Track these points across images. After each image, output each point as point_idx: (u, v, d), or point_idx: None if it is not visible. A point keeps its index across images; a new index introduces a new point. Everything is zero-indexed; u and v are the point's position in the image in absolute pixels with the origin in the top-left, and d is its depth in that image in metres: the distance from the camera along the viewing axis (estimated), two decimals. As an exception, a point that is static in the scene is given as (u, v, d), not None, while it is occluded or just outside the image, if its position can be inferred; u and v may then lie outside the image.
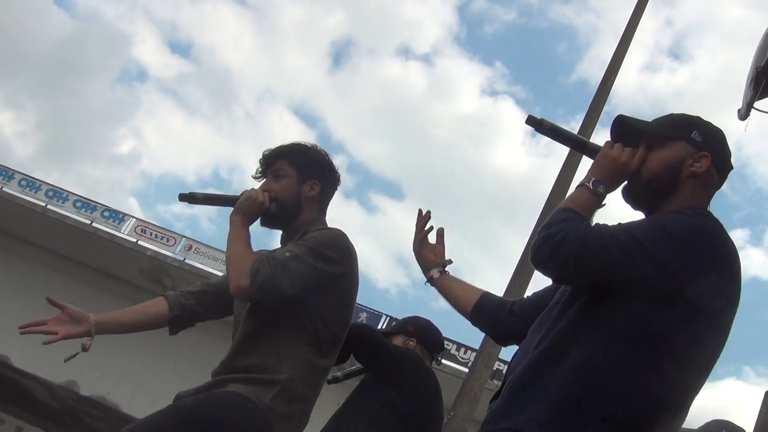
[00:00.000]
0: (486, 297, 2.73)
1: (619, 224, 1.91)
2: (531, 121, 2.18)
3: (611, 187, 2.03)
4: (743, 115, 6.69)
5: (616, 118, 2.12)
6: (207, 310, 3.04)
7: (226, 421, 2.51)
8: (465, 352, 23.35)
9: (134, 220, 25.50)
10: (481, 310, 2.71)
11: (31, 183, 25.54)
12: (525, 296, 2.67)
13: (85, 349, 2.88)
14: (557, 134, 2.21)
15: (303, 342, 2.69)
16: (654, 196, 2.04)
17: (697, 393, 1.90)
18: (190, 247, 24.69)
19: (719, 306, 1.87)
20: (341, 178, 3.07)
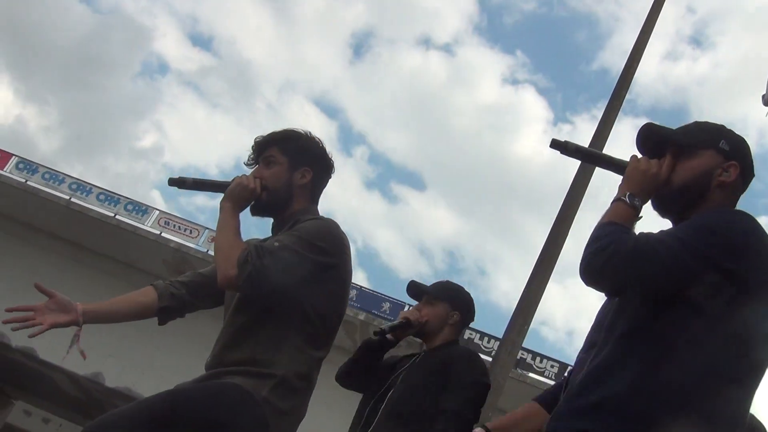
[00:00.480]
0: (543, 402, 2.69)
1: (661, 231, 1.94)
2: (555, 144, 2.17)
3: (645, 199, 2.04)
4: (767, 100, 6.63)
5: (643, 126, 2.13)
6: (197, 299, 3.00)
7: (222, 411, 2.50)
8: (488, 341, 23.33)
9: (157, 212, 25.58)
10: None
11: (54, 176, 25.67)
12: None
13: (76, 339, 2.85)
14: (583, 154, 2.22)
15: (296, 334, 2.65)
16: (684, 205, 2.05)
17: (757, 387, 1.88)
18: (213, 239, 24.65)
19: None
20: (334, 165, 3.02)
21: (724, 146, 2.05)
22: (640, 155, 2.11)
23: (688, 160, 2.06)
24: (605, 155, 2.23)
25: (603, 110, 11.29)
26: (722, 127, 2.12)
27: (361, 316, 22.42)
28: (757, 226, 1.93)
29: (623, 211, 1.99)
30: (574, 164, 11.09)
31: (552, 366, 23.47)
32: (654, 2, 11.99)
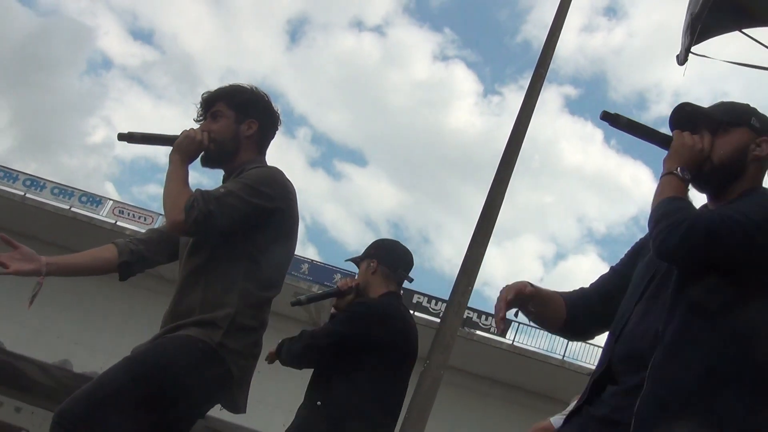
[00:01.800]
0: (570, 303, 2.49)
1: (723, 208, 1.95)
2: (606, 116, 2.15)
3: (692, 173, 2.04)
4: (682, 60, 6.74)
5: (679, 105, 2.13)
6: (156, 254, 2.97)
7: (178, 363, 2.52)
8: (436, 304, 23.53)
9: (111, 202, 25.26)
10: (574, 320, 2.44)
11: (8, 174, 25.18)
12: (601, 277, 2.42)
13: (38, 287, 2.75)
14: (633, 128, 2.19)
15: (244, 276, 2.67)
16: (724, 179, 2.05)
17: None
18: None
19: None
20: (280, 117, 3.01)
21: (755, 123, 2.07)
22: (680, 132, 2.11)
23: (724, 136, 2.07)
24: (651, 129, 2.20)
25: (529, 81, 11.39)
26: (749, 106, 2.14)
27: (315, 288, 22.44)
28: None
29: (678, 186, 2.00)
30: (505, 132, 11.20)
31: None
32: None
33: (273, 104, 2.98)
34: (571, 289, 2.40)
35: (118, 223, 24.04)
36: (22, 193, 24.18)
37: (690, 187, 2.06)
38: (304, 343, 3.41)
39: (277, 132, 3.01)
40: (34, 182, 25.17)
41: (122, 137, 2.86)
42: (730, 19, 6.76)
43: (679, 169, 2.02)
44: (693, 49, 6.63)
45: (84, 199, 25.01)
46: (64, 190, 25.17)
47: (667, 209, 1.92)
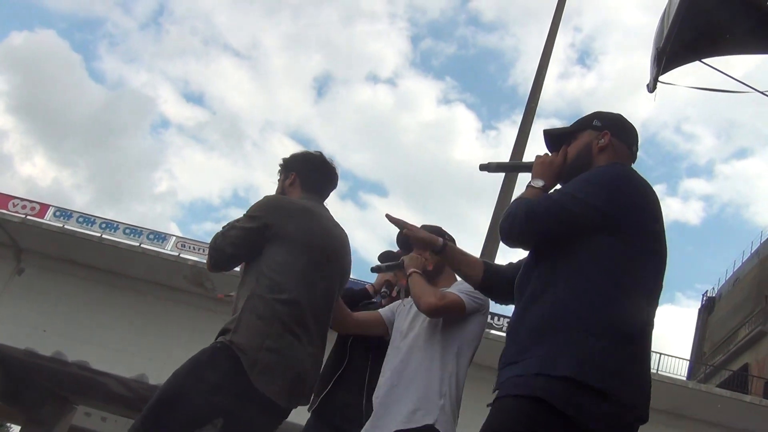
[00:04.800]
0: (488, 269, 2.62)
1: (555, 190, 2.10)
2: (482, 167, 2.44)
3: (551, 183, 2.17)
4: (651, 88, 6.72)
5: (543, 132, 2.30)
6: None
7: (202, 365, 2.64)
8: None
9: (174, 237, 25.44)
10: (490, 282, 2.58)
11: (87, 219, 25.48)
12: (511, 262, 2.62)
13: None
14: (503, 168, 2.49)
15: (254, 284, 2.78)
16: (578, 174, 2.12)
17: (655, 307, 1.95)
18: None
19: (648, 229, 1.96)
20: (329, 170, 3.20)
21: (597, 123, 2.20)
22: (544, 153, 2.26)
23: (574, 142, 2.21)
24: (518, 162, 2.53)
25: (521, 117, 11.40)
26: (597, 111, 2.26)
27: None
28: (632, 175, 2.03)
29: (529, 191, 2.13)
30: (504, 160, 11.17)
31: (499, 322, 23.59)
32: (548, 35, 12.06)
33: (317, 161, 3.20)
34: (506, 262, 2.59)
35: (181, 255, 24.17)
36: (99, 235, 24.41)
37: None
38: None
39: (322, 176, 3.19)
40: (109, 225, 25.43)
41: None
42: (691, 51, 6.74)
43: (533, 180, 2.16)
44: (660, 78, 6.61)
45: (151, 236, 25.21)
46: (134, 230, 25.41)
47: (507, 208, 2.05)
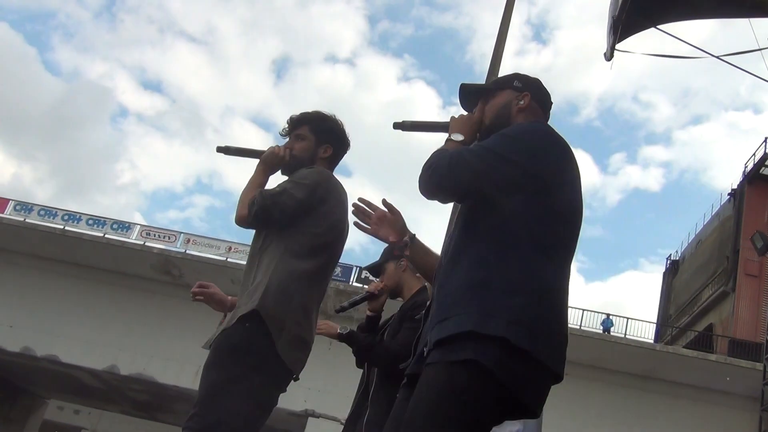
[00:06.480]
0: None
1: (475, 144, 2.06)
2: (396, 126, 2.35)
3: (470, 139, 2.14)
4: (608, 56, 6.78)
5: (460, 86, 2.27)
6: None
7: (234, 338, 2.63)
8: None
9: (139, 226, 25.13)
10: None
11: (49, 211, 25.03)
12: None
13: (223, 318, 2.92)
14: (418, 126, 2.35)
15: (284, 253, 2.74)
16: (497, 131, 2.12)
17: (571, 263, 1.98)
18: (189, 240, 24.32)
19: (568, 186, 1.98)
20: (350, 143, 3.10)
21: (518, 84, 2.20)
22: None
23: (492, 100, 2.20)
24: (433, 122, 2.33)
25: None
26: (517, 73, 2.26)
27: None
28: (552, 133, 2.05)
29: (449, 144, 2.11)
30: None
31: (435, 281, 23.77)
32: (503, 13, 12.05)
33: (346, 132, 3.08)
34: None
35: (147, 243, 23.92)
36: (62, 227, 24.04)
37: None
38: (395, 351, 3.18)
39: (342, 154, 3.10)
40: (72, 216, 25.02)
41: (220, 149, 2.96)
42: (647, 18, 6.80)
43: (452, 135, 2.13)
44: (617, 46, 6.67)
45: (115, 226, 24.86)
46: (97, 220, 25.04)
47: (426, 160, 2.01)
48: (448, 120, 2.22)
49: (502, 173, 1.90)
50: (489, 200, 1.91)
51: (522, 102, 2.16)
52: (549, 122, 2.22)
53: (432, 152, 2.04)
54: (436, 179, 1.93)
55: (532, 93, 2.19)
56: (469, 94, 2.26)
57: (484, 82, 2.30)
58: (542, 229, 1.89)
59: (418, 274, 3.38)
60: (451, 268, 1.94)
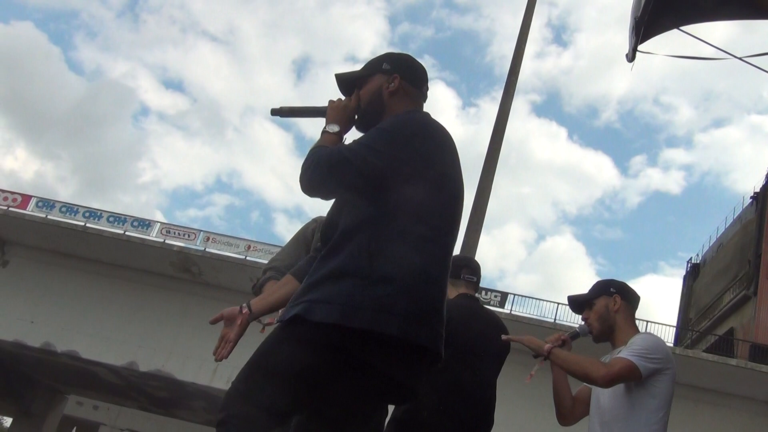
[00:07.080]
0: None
1: (353, 141, 2.06)
2: (273, 112, 2.33)
3: (346, 127, 2.18)
4: (630, 57, 6.72)
5: (335, 76, 2.28)
6: None
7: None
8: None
9: (159, 224, 25.30)
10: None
11: (70, 208, 25.27)
12: None
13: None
14: (295, 112, 2.33)
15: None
16: (372, 118, 2.15)
17: (450, 248, 2.04)
18: (208, 239, 24.48)
19: (447, 174, 2.03)
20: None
21: (386, 66, 2.19)
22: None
23: (365, 86, 2.20)
24: (309, 107, 2.31)
25: (501, 93, 11.38)
26: (388, 53, 2.27)
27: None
28: (427, 120, 2.08)
29: (325, 138, 2.11)
30: (484, 137, 11.18)
31: (495, 296, 23.70)
32: (524, 15, 12.02)
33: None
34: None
35: (167, 241, 24.09)
36: (83, 224, 24.26)
37: None
38: None
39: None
40: (93, 213, 25.24)
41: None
42: (669, 19, 6.74)
43: (327, 125, 2.14)
44: (639, 47, 6.61)
45: (135, 223, 25.06)
46: (118, 218, 25.25)
47: (305, 158, 2.02)
48: (326, 105, 2.22)
49: (381, 169, 1.93)
50: (367, 194, 1.95)
51: (392, 84, 2.16)
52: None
53: (310, 149, 2.06)
54: (318, 179, 1.96)
55: (402, 74, 2.18)
56: (345, 83, 2.26)
57: (358, 70, 2.29)
58: (419, 218, 1.93)
59: None
60: (322, 261, 1.97)
